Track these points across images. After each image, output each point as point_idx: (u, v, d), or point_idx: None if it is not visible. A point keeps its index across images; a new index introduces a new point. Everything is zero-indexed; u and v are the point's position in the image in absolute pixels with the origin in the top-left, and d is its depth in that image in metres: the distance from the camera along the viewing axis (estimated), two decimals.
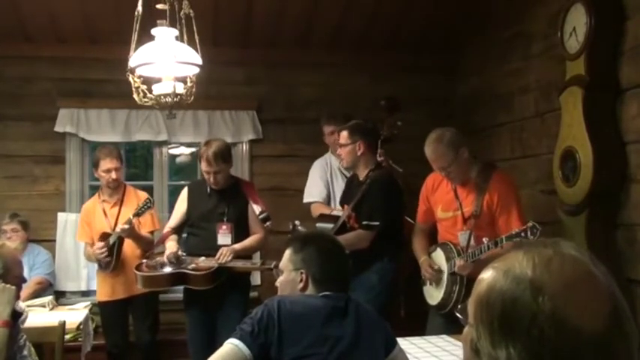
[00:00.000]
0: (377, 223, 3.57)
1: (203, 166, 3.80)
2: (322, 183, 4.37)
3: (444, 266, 3.37)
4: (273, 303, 1.96)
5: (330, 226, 3.79)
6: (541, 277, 0.86)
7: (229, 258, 3.71)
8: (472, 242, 3.24)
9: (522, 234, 2.90)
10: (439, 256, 3.45)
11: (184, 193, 4.04)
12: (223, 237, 3.82)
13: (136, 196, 4.28)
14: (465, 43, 5.10)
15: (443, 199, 3.46)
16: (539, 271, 0.86)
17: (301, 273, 2.11)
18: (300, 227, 3.74)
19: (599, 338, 0.83)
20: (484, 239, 3.09)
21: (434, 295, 3.45)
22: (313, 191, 4.39)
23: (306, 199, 4.44)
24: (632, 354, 0.86)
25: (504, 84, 4.51)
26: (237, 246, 3.79)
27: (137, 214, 3.97)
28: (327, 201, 4.32)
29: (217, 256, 3.71)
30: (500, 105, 4.57)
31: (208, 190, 3.91)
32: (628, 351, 0.86)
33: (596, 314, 0.84)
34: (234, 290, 3.82)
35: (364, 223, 3.60)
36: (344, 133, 3.76)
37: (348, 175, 4.19)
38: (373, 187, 3.64)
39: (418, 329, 3.50)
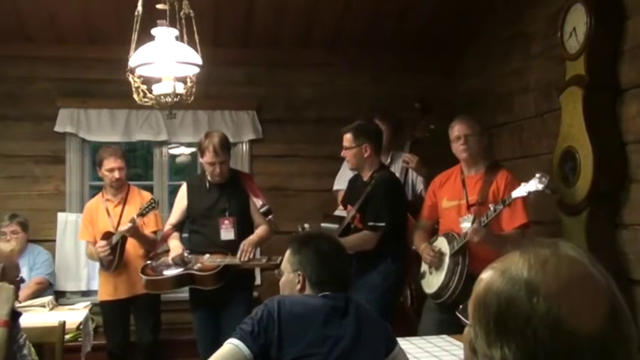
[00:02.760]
0: (383, 224, 3.56)
1: (208, 157, 3.75)
2: (352, 174, 4.35)
3: (446, 248, 3.38)
4: (273, 303, 1.97)
5: (335, 226, 3.80)
6: (536, 277, 0.86)
7: (252, 255, 3.70)
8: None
9: (531, 186, 2.95)
10: (441, 242, 3.46)
11: (183, 189, 4.01)
12: (226, 232, 3.80)
13: (139, 196, 4.29)
14: (465, 43, 5.10)
15: (450, 190, 3.51)
16: (534, 271, 0.86)
17: (298, 274, 2.12)
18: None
19: (596, 340, 0.83)
20: (490, 205, 3.15)
21: (432, 282, 3.43)
22: (343, 181, 4.36)
23: (335, 187, 4.51)
24: (631, 355, 0.85)
25: (504, 84, 4.51)
26: (255, 238, 3.77)
27: (141, 214, 3.97)
28: None
29: (239, 254, 3.69)
30: (500, 105, 4.57)
31: (207, 185, 3.88)
32: (626, 352, 0.85)
33: (592, 315, 0.84)
34: (239, 288, 3.81)
35: (370, 224, 3.58)
36: (348, 136, 3.72)
37: None
38: (378, 188, 3.63)
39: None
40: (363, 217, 3.65)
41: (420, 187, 4.22)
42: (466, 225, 3.26)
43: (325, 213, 4.20)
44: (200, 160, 3.90)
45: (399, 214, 3.69)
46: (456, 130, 3.45)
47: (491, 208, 3.13)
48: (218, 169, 3.78)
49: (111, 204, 4.26)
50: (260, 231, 3.85)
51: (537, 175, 2.95)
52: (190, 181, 4.10)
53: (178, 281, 3.83)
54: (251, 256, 3.71)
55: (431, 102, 4.43)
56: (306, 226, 3.79)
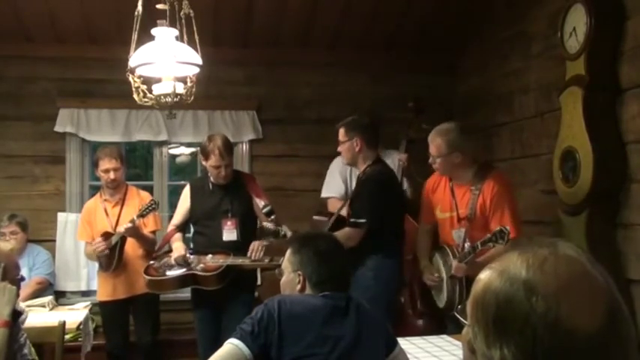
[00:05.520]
0: (363, 220, 3.51)
1: (213, 161, 3.77)
2: (341, 179, 4.33)
3: (442, 271, 3.44)
4: (273, 303, 1.97)
5: (324, 219, 3.80)
6: (534, 277, 0.86)
7: (262, 254, 3.72)
8: (466, 242, 3.28)
9: (493, 238, 2.97)
10: (437, 262, 3.52)
11: (187, 190, 4.03)
12: (229, 233, 3.81)
13: (138, 196, 4.28)
14: (465, 43, 5.10)
15: (441, 200, 3.51)
16: (532, 271, 0.86)
17: (299, 275, 2.12)
18: (286, 232, 3.68)
19: (594, 339, 0.83)
20: (466, 244, 3.16)
21: (440, 298, 3.52)
22: (331, 187, 4.36)
23: (323, 194, 4.44)
24: (629, 355, 0.85)
25: (504, 84, 4.51)
26: (265, 241, 3.80)
27: (141, 215, 3.97)
28: (345, 198, 4.20)
29: (249, 253, 3.71)
30: (500, 105, 4.57)
31: (210, 186, 3.90)
32: (624, 352, 0.85)
33: (590, 315, 0.84)
34: (241, 288, 3.82)
35: (351, 220, 3.56)
36: (341, 130, 3.72)
37: None
38: (365, 184, 3.63)
39: (431, 328, 3.56)
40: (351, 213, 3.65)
41: (404, 185, 4.24)
42: (458, 238, 3.33)
43: (319, 210, 4.18)
44: (203, 163, 3.91)
45: (386, 210, 3.57)
46: (429, 146, 3.45)
47: (466, 248, 3.17)
48: (223, 172, 3.80)
49: (109, 204, 4.25)
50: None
51: (497, 228, 2.97)
52: (193, 183, 4.11)
53: (181, 281, 3.84)
54: (261, 254, 3.72)
55: (424, 101, 4.42)
56: (284, 227, 3.73)
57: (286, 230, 3.62)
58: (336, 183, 4.35)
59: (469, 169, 3.40)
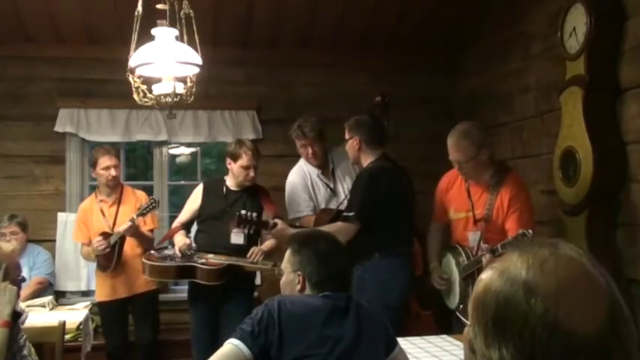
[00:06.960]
0: (351, 213, 3.48)
1: (244, 160, 3.81)
2: (307, 195, 4.15)
3: (455, 272, 3.39)
4: (273, 303, 1.97)
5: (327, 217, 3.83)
6: (534, 278, 0.85)
7: (261, 258, 3.74)
8: (482, 244, 3.25)
9: (514, 242, 2.91)
10: (449, 262, 3.46)
11: (199, 189, 4.04)
12: (236, 236, 3.81)
13: (134, 196, 4.28)
14: (465, 43, 5.10)
15: (456, 200, 3.47)
16: (532, 272, 0.86)
17: (298, 275, 2.12)
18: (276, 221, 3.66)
19: (593, 340, 0.82)
20: (483, 246, 3.10)
21: (450, 299, 3.50)
22: (299, 205, 4.11)
23: (293, 216, 4.10)
24: (630, 356, 0.85)
25: (504, 84, 4.51)
26: (265, 248, 3.82)
27: (141, 214, 3.97)
28: (314, 212, 4.10)
29: (248, 255, 3.73)
30: (500, 105, 4.57)
31: (224, 190, 3.93)
32: (624, 353, 0.85)
33: (590, 316, 0.84)
34: (239, 289, 3.83)
35: (343, 214, 3.54)
36: (346, 129, 3.73)
37: (329, 182, 4.17)
38: (357, 179, 3.67)
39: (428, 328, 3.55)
40: None
41: None
42: (473, 240, 3.30)
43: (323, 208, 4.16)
44: (229, 166, 3.91)
45: (380, 207, 3.48)
46: (450, 154, 3.32)
47: (484, 251, 3.13)
48: (252, 173, 3.85)
49: (105, 204, 4.24)
50: (270, 243, 3.88)
51: (520, 231, 2.91)
52: (207, 183, 4.13)
53: (180, 272, 3.84)
54: (260, 259, 3.75)
55: (391, 96, 4.33)
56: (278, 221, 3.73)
57: (277, 220, 3.66)
58: (302, 201, 4.12)
59: (489, 168, 3.34)
